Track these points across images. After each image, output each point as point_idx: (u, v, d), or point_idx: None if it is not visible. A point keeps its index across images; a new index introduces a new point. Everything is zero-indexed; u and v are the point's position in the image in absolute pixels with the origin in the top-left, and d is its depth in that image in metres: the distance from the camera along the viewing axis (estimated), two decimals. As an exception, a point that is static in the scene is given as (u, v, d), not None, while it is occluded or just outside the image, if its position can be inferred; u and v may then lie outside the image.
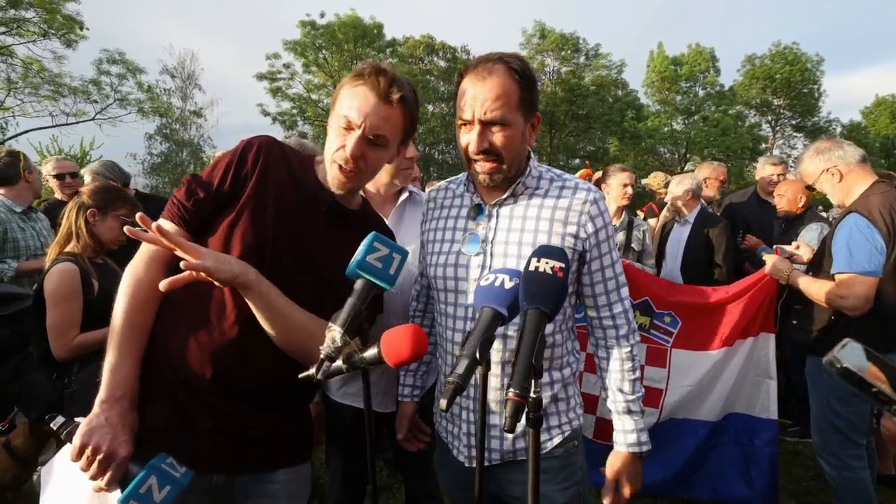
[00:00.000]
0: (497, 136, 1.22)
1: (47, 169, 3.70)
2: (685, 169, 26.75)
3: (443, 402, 0.80)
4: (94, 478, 1.07)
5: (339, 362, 0.98)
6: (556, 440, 1.32)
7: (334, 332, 0.95)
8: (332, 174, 1.24)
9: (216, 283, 1.07)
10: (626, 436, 1.32)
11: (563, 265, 0.96)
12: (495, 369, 1.27)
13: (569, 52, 29.36)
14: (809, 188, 2.63)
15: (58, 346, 2.05)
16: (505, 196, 1.31)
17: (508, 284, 0.97)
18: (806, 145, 10.27)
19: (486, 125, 1.21)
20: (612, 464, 1.33)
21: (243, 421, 1.20)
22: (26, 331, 2.26)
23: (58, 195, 3.79)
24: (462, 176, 1.44)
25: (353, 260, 1.02)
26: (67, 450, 1.11)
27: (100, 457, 1.06)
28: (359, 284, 1.02)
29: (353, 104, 1.19)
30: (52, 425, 1.12)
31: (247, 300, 1.12)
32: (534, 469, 0.84)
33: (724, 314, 2.65)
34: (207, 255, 1.06)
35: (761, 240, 3.68)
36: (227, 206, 1.22)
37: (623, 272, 1.37)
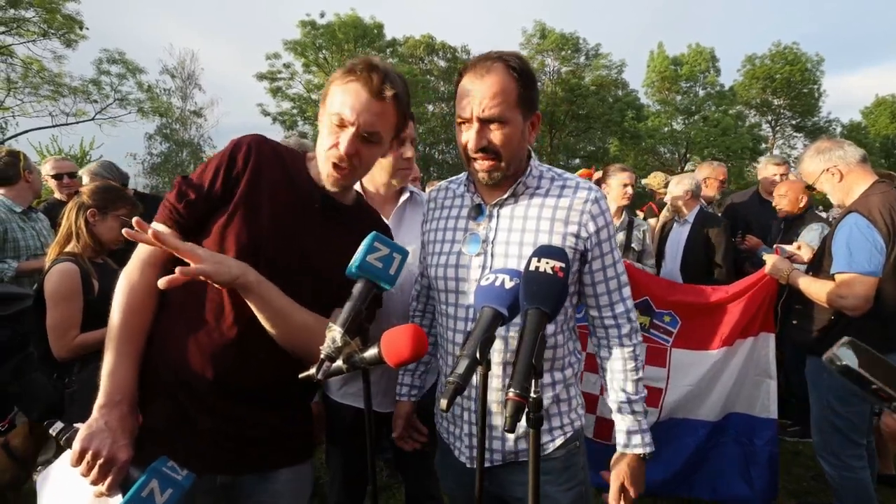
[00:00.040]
0: (495, 134, 1.21)
1: (46, 169, 3.70)
2: (685, 169, 26.75)
3: (443, 402, 0.80)
4: (94, 483, 1.07)
5: (339, 362, 0.98)
6: (559, 441, 1.32)
7: (334, 332, 0.95)
8: (326, 171, 1.23)
9: (215, 284, 1.06)
10: (630, 437, 1.30)
11: (563, 265, 0.96)
12: (496, 370, 1.26)
13: (569, 52, 29.38)
14: (809, 188, 2.63)
15: (58, 346, 2.05)
16: (505, 196, 1.30)
17: (509, 284, 0.97)
18: (806, 145, 10.28)
19: (484, 123, 1.21)
20: (617, 465, 1.31)
21: (243, 421, 1.20)
22: (26, 331, 2.26)
23: (57, 195, 3.79)
24: (462, 176, 1.43)
25: (353, 260, 1.02)
26: (65, 457, 1.10)
27: (100, 461, 1.05)
28: (359, 284, 1.02)
29: (345, 101, 1.18)
30: (50, 431, 1.11)
31: (247, 301, 1.12)
32: (534, 469, 0.84)
33: (724, 314, 2.64)
34: (206, 259, 1.06)
35: (762, 240, 3.68)
36: (219, 206, 1.21)
37: (625, 272, 1.36)
